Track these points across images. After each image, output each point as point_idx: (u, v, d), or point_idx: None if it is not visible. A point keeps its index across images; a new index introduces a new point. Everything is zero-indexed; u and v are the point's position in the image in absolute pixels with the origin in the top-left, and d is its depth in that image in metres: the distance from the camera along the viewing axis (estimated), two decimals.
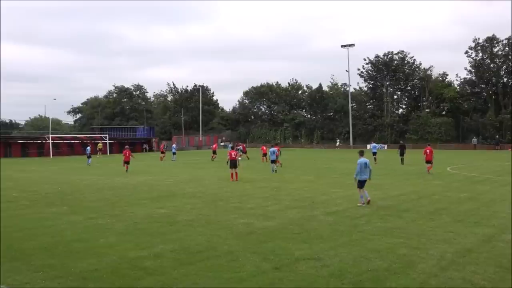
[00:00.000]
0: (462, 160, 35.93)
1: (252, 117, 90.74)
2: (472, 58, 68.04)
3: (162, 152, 42.24)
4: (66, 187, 19.39)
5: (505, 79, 67.58)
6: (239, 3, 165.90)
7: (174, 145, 45.84)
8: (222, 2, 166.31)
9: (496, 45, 66.53)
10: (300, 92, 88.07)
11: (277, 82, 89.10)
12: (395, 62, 73.65)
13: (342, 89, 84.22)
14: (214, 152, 39.84)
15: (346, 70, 75.19)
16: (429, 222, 10.84)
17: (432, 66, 73.26)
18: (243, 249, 8.34)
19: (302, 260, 7.60)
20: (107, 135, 62.26)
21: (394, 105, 77.25)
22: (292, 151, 60.34)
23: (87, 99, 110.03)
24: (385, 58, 73.98)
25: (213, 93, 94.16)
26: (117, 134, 74.91)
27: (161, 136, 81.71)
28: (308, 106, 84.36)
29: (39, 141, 56.14)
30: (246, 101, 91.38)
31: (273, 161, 26.08)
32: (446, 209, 12.71)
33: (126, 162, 27.69)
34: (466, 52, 68.26)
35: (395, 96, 77.63)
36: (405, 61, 74.00)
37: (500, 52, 66.55)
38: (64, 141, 59.91)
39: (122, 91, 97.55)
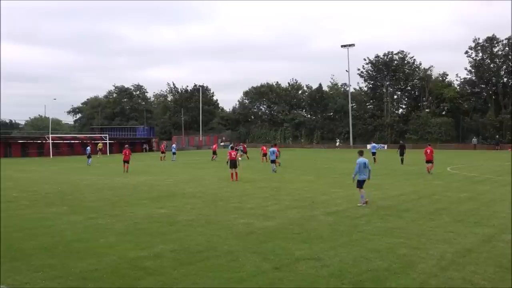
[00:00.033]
0: (462, 160, 35.93)
1: (252, 117, 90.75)
2: (472, 58, 68.13)
3: (163, 152, 42.27)
4: (66, 187, 19.39)
5: (505, 79, 67.60)
6: (239, 3, 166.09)
7: (174, 145, 45.85)
8: (222, 2, 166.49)
9: (496, 45, 66.55)
10: (300, 92, 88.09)
11: (277, 82, 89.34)
12: (395, 62, 73.67)
13: (342, 89, 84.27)
14: (214, 153, 39.82)
15: (346, 70, 75.34)
16: (429, 222, 10.84)
17: (432, 66, 73.48)
18: (243, 249, 8.34)
19: (302, 260, 7.60)
20: (107, 135, 62.28)
21: (394, 105, 77.27)
22: (292, 151, 60.37)
23: (87, 99, 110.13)
24: (385, 58, 74.01)
25: (213, 93, 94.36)
26: (117, 134, 74.93)
27: (161, 136, 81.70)
28: (308, 106, 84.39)
29: (39, 141, 56.16)
30: (246, 101, 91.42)
31: (273, 161, 26.14)
32: (446, 209, 12.71)
33: (126, 161, 27.72)
34: (466, 52, 68.38)
35: (395, 96, 77.65)
36: (405, 61, 74.03)
37: (500, 52, 66.57)
38: (64, 141, 59.93)
39: (122, 91, 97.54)
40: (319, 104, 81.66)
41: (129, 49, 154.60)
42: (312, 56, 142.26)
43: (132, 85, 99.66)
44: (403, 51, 74.14)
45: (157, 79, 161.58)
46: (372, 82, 76.43)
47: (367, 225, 10.55)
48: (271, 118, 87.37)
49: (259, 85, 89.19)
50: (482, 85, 69.41)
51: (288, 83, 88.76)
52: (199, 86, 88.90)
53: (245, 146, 45.92)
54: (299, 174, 24.77)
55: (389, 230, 9.97)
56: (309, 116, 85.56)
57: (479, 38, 67.22)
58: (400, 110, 77.88)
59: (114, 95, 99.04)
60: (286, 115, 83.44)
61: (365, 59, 75.79)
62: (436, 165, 24.76)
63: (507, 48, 65.60)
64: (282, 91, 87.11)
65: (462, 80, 71.08)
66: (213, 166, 32.35)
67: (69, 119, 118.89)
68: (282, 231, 9.96)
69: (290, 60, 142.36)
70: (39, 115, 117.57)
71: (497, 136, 62.42)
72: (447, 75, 73.36)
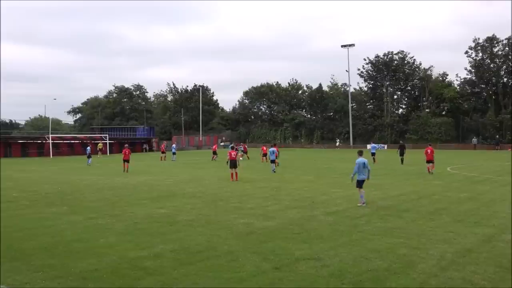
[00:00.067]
0: (462, 160, 35.93)
1: (252, 117, 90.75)
2: (472, 58, 68.15)
3: (163, 152, 42.27)
4: (66, 187, 19.39)
5: (505, 79, 67.62)
6: (239, 3, 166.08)
7: (174, 145, 45.84)
8: (222, 2, 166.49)
9: (496, 45, 66.58)
10: (300, 92, 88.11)
11: (277, 82, 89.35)
12: (395, 62, 73.68)
13: (342, 89, 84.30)
14: (215, 153, 39.81)
15: (346, 70, 75.35)
16: (429, 222, 10.84)
17: (432, 66, 73.52)
18: (243, 249, 8.34)
19: (302, 260, 7.60)
20: (107, 135, 62.27)
21: (394, 105, 77.28)
22: (292, 151, 60.38)
23: (87, 99, 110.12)
24: (385, 58, 74.02)
25: (213, 93, 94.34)
26: (117, 134, 74.94)
27: (161, 136, 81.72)
28: (308, 106, 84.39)
29: (39, 141, 56.15)
30: (246, 101, 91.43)
31: (273, 161, 26.15)
32: (446, 209, 12.71)
33: (126, 161, 27.74)
34: (466, 52, 68.40)
35: (395, 96, 77.67)
36: (405, 61, 74.04)
37: (500, 52, 66.58)
38: (64, 141, 59.93)
39: (122, 91, 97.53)
40: (319, 104, 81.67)
41: (129, 49, 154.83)
42: (312, 56, 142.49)
43: (132, 85, 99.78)
44: (403, 51, 74.29)
45: (157, 79, 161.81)
46: (372, 82, 76.44)
47: (367, 225, 10.54)
48: (271, 118, 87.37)
49: (259, 85, 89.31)
50: (482, 85, 69.43)
51: (288, 83, 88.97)
52: (199, 86, 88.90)
53: (245, 146, 45.96)
54: (299, 174, 24.77)
55: (389, 230, 9.97)
56: (309, 116, 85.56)
57: (479, 38, 67.39)
58: (400, 110, 77.91)
59: (114, 95, 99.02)
60: (286, 115, 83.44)
61: (365, 59, 75.97)
62: (436, 165, 24.77)
63: (507, 48, 65.61)
64: (282, 91, 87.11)
65: (462, 80, 71.23)
66: (213, 166, 32.35)
67: (69, 119, 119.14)
68: (282, 231, 9.96)
69: (290, 60, 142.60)
70: (39, 115, 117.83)
71: (497, 136, 62.43)
72: (447, 75, 73.58)
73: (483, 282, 6.50)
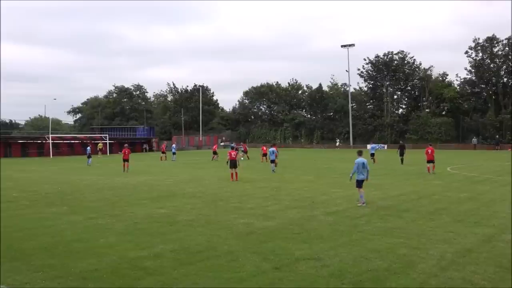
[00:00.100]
0: (462, 160, 35.93)
1: (252, 117, 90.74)
2: (472, 58, 68.13)
3: (163, 152, 42.25)
4: (66, 187, 19.39)
5: (505, 79, 67.60)
6: (239, 3, 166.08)
7: (174, 145, 45.84)
8: (222, 2, 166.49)
9: (496, 45, 66.55)
10: (300, 92, 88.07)
11: (277, 82, 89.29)
12: (395, 62, 73.66)
13: (342, 89, 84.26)
14: (215, 153, 39.78)
15: (346, 70, 75.33)
16: (429, 222, 10.84)
17: (432, 66, 73.47)
18: (243, 249, 8.34)
19: (302, 260, 7.60)
20: (107, 135, 62.27)
21: (394, 105, 77.27)
22: (292, 151, 60.38)
23: (87, 99, 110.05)
24: (385, 58, 74.00)
25: (213, 93, 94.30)
26: (117, 134, 74.95)
27: (161, 136, 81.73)
28: (308, 106, 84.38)
29: (39, 141, 56.16)
30: (246, 101, 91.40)
31: (273, 161, 26.16)
32: (446, 209, 12.71)
33: (126, 160, 27.76)
34: (466, 52, 68.37)
35: (395, 96, 77.65)
36: (405, 61, 74.03)
37: (500, 52, 66.56)
38: (64, 141, 59.93)
39: (122, 91, 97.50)
40: (319, 104, 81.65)
41: (129, 49, 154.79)
42: (312, 56, 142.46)
43: (132, 85, 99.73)
44: (403, 51, 74.25)
45: (157, 79, 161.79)
46: (372, 82, 76.43)
47: (367, 225, 10.54)
48: (271, 118, 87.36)
49: (259, 85, 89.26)
50: (482, 85, 69.41)
51: (288, 83, 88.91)
52: (199, 86, 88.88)
53: (246, 146, 45.97)
54: (299, 174, 24.77)
55: (389, 230, 9.97)
56: (309, 116, 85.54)
57: (479, 38, 67.36)
58: (400, 110, 77.90)
59: (114, 95, 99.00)
60: (286, 115, 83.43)
61: (365, 59, 75.93)
62: (436, 165, 24.76)
63: (507, 48, 65.59)
64: (282, 91, 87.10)
65: (462, 80, 71.19)
66: (213, 166, 32.35)
67: (69, 119, 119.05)
68: (282, 231, 9.96)
69: (290, 60, 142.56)
70: (39, 115, 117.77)
71: (497, 136, 62.41)
72: (447, 75, 73.54)
73: (483, 282, 6.50)
